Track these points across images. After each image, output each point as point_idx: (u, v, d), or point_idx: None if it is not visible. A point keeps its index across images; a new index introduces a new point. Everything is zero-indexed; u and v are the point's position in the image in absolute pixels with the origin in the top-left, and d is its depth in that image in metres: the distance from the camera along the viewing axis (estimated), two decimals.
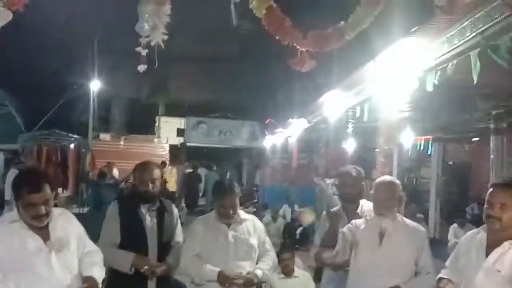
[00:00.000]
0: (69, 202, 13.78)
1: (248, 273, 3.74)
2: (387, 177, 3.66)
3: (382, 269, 3.39)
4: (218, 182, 4.30)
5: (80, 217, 3.50)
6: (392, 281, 3.36)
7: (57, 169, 12.73)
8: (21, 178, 3.17)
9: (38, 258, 3.01)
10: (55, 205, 3.43)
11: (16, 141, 13.50)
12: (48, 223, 3.11)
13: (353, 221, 3.73)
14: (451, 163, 13.94)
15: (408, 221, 3.65)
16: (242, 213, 3.95)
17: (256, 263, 3.88)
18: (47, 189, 3.04)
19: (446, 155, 13.66)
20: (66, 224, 3.25)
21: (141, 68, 3.80)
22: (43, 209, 3.01)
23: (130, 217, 3.91)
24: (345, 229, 3.67)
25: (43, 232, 3.08)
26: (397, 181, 3.66)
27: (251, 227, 3.92)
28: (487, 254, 2.87)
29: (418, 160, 14.80)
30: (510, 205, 2.81)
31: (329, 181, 11.24)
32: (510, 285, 2.75)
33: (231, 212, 3.80)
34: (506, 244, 2.83)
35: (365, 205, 4.02)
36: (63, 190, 13.32)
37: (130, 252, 3.81)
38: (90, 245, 3.41)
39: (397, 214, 3.55)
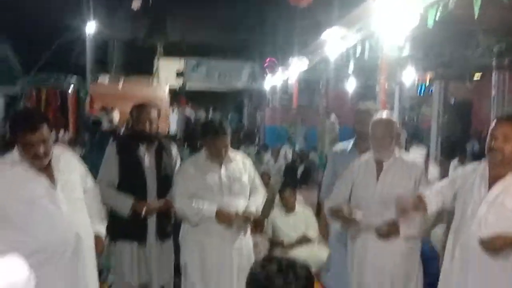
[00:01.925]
0: (70, 144, 13.82)
1: (244, 212, 3.80)
2: (384, 115, 3.65)
3: (379, 205, 3.44)
4: (208, 123, 4.28)
5: (81, 159, 3.54)
6: (389, 217, 3.41)
7: (57, 112, 12.70)
8: (17, 119, 3.17)
9: (44, 197, 3.05)
10: None
11: (14, 84, 13.40)
12: (51, 162, 3.14)
13: (352, 162, 3.76)
14: (452, 101, 13.90)
15: (405, 156, 3.67)
16: (232, 152, 3.94)
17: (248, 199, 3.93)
18: (44, 129, 3.02)
19: (448, 93, 13.59)
20: (68, 162, 3.28)
21: (135, 5, 3.72)
22: (40, 149, 3.01)
23: (129, 157, 3.94)
24: (345, 172, 3.71)
25: (47, 171, 3.11)
26: (394, 118, 3.66)
27: (241, 164, 3.94)
28: (489, 187, 2.89)
29: (419, 98, 14.75)
30: None
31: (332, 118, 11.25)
32: None
33: (223, 152, 3.80)
34: (510, 176, 2.85)
35: None
36: (64, 132, 13.34)
37: (129, 197, 3.86)
38: (90, 182, 3.48)
39: (395, 150, 3.57)
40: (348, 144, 4.16)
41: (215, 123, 3.89)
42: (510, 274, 2.80)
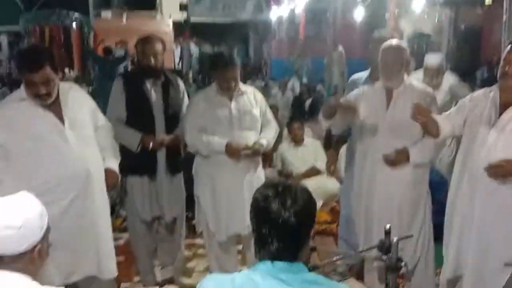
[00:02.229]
0: (77, 82, 13.76)
1: (254, 143, 3.81)
2: (393, 41, 3.56)
3: (390, 133, 3.42)
4: (217, 54, 4.25)
5: (89, 95, 3.53)
6: (400, 144, 3.40)
7: (61, 49, 12.54)
8: (20, 57, 3.15)
9: (53, 134, 3.07)
10: None
11: (17, 22, 13.19)
12: (59, 99, 3.13)
13: (361, 87, 3.71)
14: (462, 27, 13.58)
15: (416, 83, 3.62)
16: (242, 85, 3.93)
17: (260, 133, 3.94)
18: (47, 68, 2.99)
19: (458, 19, 13.27)
20: (76, 98, 3.27)
21: None
22: (43, 89, 2.99)
23: (135, 92, 3.91)
24: (350, 96, 3.67)
25: (55, 108, 3.10)
26: (404, 45, 3.57)
27: (252, 98, 3.92)
28: (500, 113, 2.85)
29: (430, 25, 14.41)
30: None
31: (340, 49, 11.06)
32: None
33: (233, 84, 3.77)
34: None
35: None
36: (69, 70, 13.25)
37: (137, 132, 3.86)
38: (102, 118, 3.47)
39: (405, 77, 3.51)
40: (363, 76, 4.10)
41: (224, 55, 3.85)
42: None
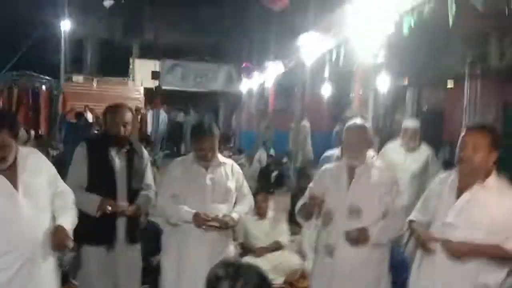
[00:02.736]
0: (40, 144, 13.58)
1: (225, 215, 3.74)
2: (357, 121, 3.64)
3: (350, 211, 3.42)
4: (197, 124, 4.24)
5: (54, 158, 3.44)
6: (360, 224, 3.40)
7: (28, 111, 12.52)
8: None
9: (4, 199, 2.96)
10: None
11: None
12: (16, 164, 3.04)
13: (323, 167, 3.74)
14: (425, 109, 14.03)
15: (378, 163, 3.67)
16: (220, 157, 3.91)
17: (234, 207, 3.88)
18: (4, 133, 2.92)
19: (421, 101, 13.73)
20: (35, 164, 3.17)
21: (107, 3, 3.66)
22: (2, 153, 2.92)
23: (99, 160, 3.84)
24: (312, 184, 3.70)
25: (10, 173, 3.01)
26: (367, 125, 3.65)
27: (229, 170, 3.89)
28: (458, 196, 2.89)
29: (393, 105, 14.86)
30: (482, 147, 2.81)
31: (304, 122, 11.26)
32: (478, 227, 2.79)
33: (210, 154, 3.75)
34: (476, 186, 2.85)
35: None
36: (35, 132, 13.13)
37: (97, 196, 3.77)
38: (62, 185, 3.35)
39: (368, 157, 3.56)
40: (335, 153, 4.17)
41: (203, 124, 3.85)
42: (473, 280, 2.82)
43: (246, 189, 3.99)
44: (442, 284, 2.88)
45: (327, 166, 3.74)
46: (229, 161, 3.99)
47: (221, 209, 3.76)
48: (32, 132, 13.03)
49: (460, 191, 2.89)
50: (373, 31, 5.16)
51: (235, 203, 3.88)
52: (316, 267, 3.66)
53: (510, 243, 2.76)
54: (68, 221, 3.18)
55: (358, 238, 3.38)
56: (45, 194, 3.14)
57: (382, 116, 14.59)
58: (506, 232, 2.77)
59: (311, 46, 7.69)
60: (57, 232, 3.07)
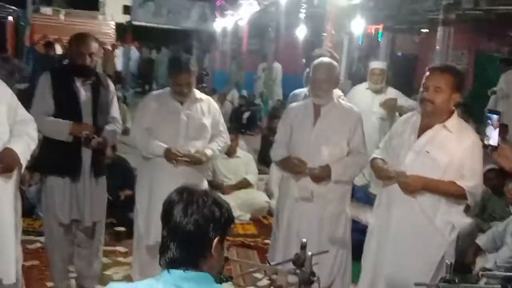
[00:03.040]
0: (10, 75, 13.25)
1: (197, 151, 3.73)
2: (324, 59, 3.63)
3: (315, 150, 3.46)
4: (174, 58, 4.15)
5: (22, 91, 3.36)
6: (324, 161, 3.45)
7: None
8: None
9: None
10: None
11: None
12: None
13: (290, 105, 3.74)
14: (399, 54, 14.05)
15: (343, 103, 3.69)
16: (197, 93, 3.86)
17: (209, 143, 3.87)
18: None
19: (395, 46, 13.72)
20: None
21: None
22: None
23: (64, 90, 3.73)
24: (280, 122, 3.71)
25: None
26: (335, 63, 3.64)
27: (206, 107, 3.86)
28: (419, 136, 2.94)
29: (368, 49, 14.84)
30: (445, 88, 2.84)
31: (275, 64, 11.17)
32: (437, 165, 2.85)
33: (185, 90, 3.71)
34: (437, 126, 2.90)
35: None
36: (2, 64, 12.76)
37: (66, 120, 3.71)
38: (23, 113, 3.27)
39: (334, 96, 3.57)
40: (303, 91, 4.16)
41: (180, 60, 3.78)
42: (427, 215, 2.91)
43: (222, 126, 3.97)
44: (397, 220, 2.96)
45: (293, 104, 3.75)
46: (206, 97, 3.94)
47: (195, 145, 3.75)
48: None
49: (421, 131, 2.94)
50: None
51: (210, 140, 3.87)
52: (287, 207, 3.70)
53: (464, 180, 2.84)
54: (19, 146, 3.04)
55: (320, 175, 3.43)
56: (4, 122, 3.08)
57: (356, 60, 14.61)
58: (461, 170, 2.84)
59: None
60: (3, 154, 2.95)
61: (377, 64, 5.76)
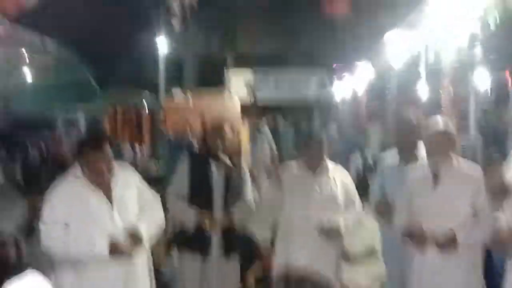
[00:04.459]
0: (145, 159, 14.27)
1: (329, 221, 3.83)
2: (440, 120, 3.54)
3: (436, 214, 3.33)
4: (307, 132, 4.38)
5: (156, 179, 3.66)
6: (447, 226, 3.29)
7: (132, 128, 13.15)
8: (83, 138, 3.38)
9: (100, 212, 3.22)
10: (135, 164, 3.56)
11: (93, 100, 14.00)
12: (110, 178, 3.30)
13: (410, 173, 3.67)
14: None
15: (464, 163, 3.54)
16: (329, 163, 3.98)
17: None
18: (107, 147, 3.23)
19: None
20: (126, 177, 3.43)
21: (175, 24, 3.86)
22: (103, 166, 3.20)
23: (199, 172, 4.04)
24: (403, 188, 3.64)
25: (105, 187, 3.27)
26: (451, 124, 3.54)
27: (338, 177, 3.95)
28: None
29: (498, 100, 14.01)
30: None
31: None
32: None
33: (318, 160, 3.84)
34: None
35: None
36: (139, 149, 13.80)
37: (194, 210, 3.93)
38: (149, 194, 3.55)
39: (453, 156, 3.45)
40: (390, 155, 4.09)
41: (312, 131, 4.00)
42: None
43: (353, 195, 4.04)
44: None
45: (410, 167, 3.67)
46: (338, 167, 4.07)
47: (326, 216, 3.83)
48: (138, 148, 13.74)
49: None
50: (460, 26, 4.98)
51: (343, 209, 3.96)
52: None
53: None
54: (144, 226, 3.35)
55: (445, 242, 3.27)
56: (134, 205, 3.38)
57: (485, 113, 13.83)
58: None
59: (398, 44, 7.49)
60: (130, 236, 3.27)
61: None
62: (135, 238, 3.29)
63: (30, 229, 5.63)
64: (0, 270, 4.73)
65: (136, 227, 3.32)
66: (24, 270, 1.97)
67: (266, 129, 13.66)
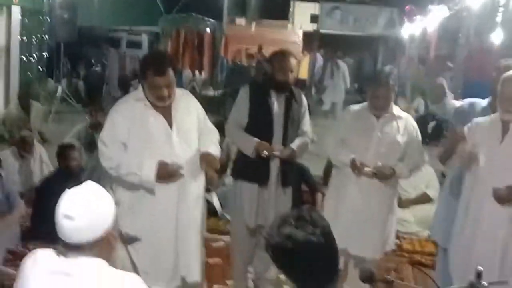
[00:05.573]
0: (204, 84, 14.40)
1: (383, 167, 3.78)
2: None
3: (503, 168, 3.20)
4: (375, 72, 4.29)
5: (215, 99, 3.71)
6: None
7: (193, 52, 13.16)
8: (147, 61, 3.40)
9: (160, 135, 3.28)
10: (193, 87, 3.61)
11: (157, 23, 14.09)
12: (171, 104, 3.33)
13: (474, 119, 3.50)
14: None
15: None
16: (397, 109, 3.92)
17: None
18: (170, 72, 3.24)
19: None
20: (187, 104, 3.46)
21: None
22: (165, 91, 3.24)
23: (260, 103, 4.01)
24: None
25: (166, 111, 3.32)
26: None
27: (402, 125, 3.88)
28: None
29: None
30: None
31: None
32: None
33: (383, 103, 3.78)
34: None
35: None
36: (199, 73, 13.88)
37: (254, 138, 3.94)
38: (209, 125, 3.61)
39: None
40: (479, 102, 3.86)
41: (380, 73, 3.95)
42: None
43: (417, 147, 3.95)
44: None
45: (479, 119, 3.49)
46: (405, 115, 3.96)
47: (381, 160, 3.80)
48: (197, 73, 13.84)
49: None
50: None
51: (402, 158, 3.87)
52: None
53: None
54: (213, 151, 3.47)
55: (508, 196, 3.15)
56: (194, 133, 3.42)
57: None
58: None
59: None
60: (203, 158, 3.39)
61: None
62: (209, 158, 3.38)
63: (91, 144, 5.86)
64: (66, 173, 4.96)
65: (206, 149, 3.42)
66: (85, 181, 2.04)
67: (344, 65, 13.46)
